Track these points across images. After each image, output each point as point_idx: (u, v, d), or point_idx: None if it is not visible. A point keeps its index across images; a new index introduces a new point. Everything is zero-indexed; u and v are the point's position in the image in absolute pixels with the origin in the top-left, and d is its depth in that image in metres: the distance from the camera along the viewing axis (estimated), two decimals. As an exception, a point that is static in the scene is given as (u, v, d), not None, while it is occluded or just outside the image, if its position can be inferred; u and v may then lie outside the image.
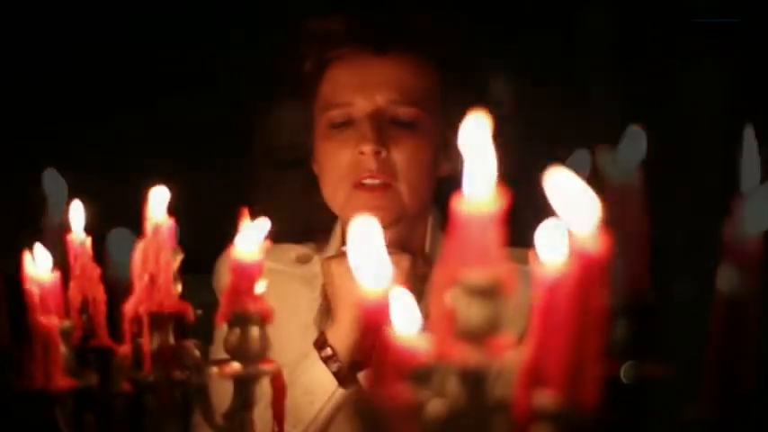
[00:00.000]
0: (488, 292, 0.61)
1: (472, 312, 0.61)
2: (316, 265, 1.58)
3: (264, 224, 0.88)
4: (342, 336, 1.43)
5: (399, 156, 1.49)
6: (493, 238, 0.61)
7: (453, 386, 0.62)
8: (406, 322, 0.61)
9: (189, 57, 1.97)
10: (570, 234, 0.56)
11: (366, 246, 0.63)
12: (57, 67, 1.96)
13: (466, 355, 0.61)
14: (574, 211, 0.56)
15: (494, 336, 0.62)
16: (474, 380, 0.62)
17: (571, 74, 1.93)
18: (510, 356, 0.62)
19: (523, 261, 0.76)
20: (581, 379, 0.56)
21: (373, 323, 0.60)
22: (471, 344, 0.61)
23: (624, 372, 0.71)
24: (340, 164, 1.50)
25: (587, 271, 0.55)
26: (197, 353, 0.93)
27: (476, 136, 0.60)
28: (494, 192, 0.60)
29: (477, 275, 0.61)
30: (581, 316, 0.56)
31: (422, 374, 0.62)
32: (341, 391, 1.42)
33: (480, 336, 0.62)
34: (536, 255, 0.60)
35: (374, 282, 0.62)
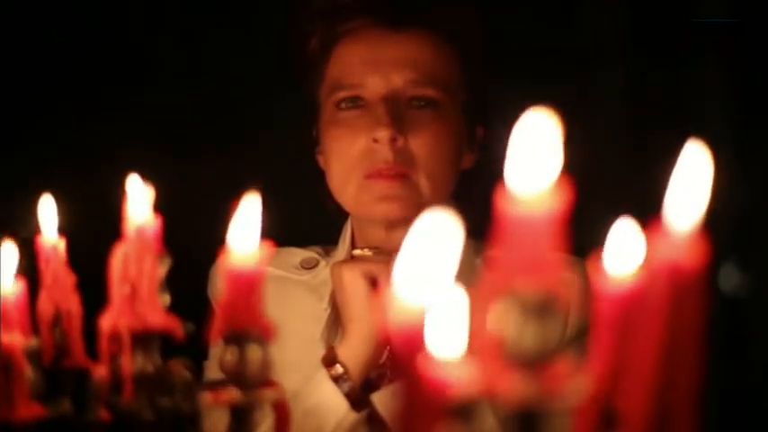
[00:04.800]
0: (545, 309, 0.56)
1: (525, 333, 0.55)
2: (323, 271, 1.53)
3: (255, 199, 0.80)
4: (354, 352, 1.38)
5: (418, 143, 1.43)
6: (549, 243, 0.55)
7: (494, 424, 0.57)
8: (448, 346, 0.55)
9: (178, 41, 1.94)
10: (652, 240, 0.51)
11: (427, 248, 0.56)
12: (30, 57, 1.96)
13: (516, 386, 0.55)
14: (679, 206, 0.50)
15: (549, 362, 0.56)
16: (527, 417, 0.56)
17: (570, 74, 1.95)
18: (570, 388, 0.56)
19: (574, 270, 0.70)
20: (668, 420, 0.49)
21: (407, 348, 0.53)
22: (523, 372, 0.56)
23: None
24: (350, 153, 1.44)
25: (680, 284, 0.48)
26: (187, 374, 0.88)
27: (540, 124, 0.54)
28: (553, 187, 0.54)
29: (533, 288, 0.55)
30: (670, 339, 0.49)
31: (465, 410, 0.56)
32: (353, 414, 1.36)
33: (534, 362, 0.56)
34: (597, 264, 0.56)
35: (419, 296, 0.54)
